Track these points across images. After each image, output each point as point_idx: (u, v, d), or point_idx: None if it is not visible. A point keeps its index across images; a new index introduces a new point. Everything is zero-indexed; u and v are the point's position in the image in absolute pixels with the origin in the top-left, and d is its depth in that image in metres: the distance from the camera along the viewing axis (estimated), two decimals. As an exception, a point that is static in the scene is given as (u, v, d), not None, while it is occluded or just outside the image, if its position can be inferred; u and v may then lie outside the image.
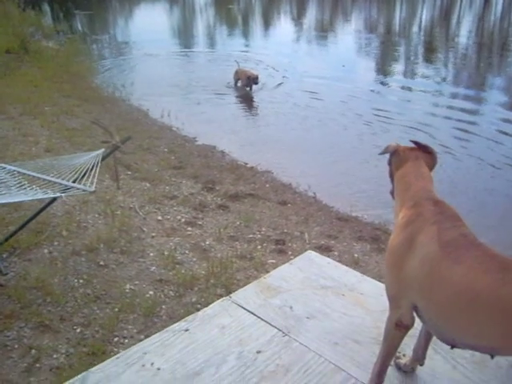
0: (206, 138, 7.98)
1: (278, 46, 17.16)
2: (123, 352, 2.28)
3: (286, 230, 5.03)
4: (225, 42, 18.13)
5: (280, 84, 11.62)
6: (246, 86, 11.14)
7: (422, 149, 2.09)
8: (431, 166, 2.08)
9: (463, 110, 9.89)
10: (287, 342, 2.32)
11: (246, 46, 17.45)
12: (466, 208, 5.47)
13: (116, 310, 3.56)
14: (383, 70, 14.09)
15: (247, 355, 2.23)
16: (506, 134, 8.54)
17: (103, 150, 4.00)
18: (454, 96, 11.24)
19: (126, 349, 2.38)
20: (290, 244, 4.75)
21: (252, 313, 2.48)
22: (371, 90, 11.37)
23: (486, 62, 15.25)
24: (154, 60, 14.13)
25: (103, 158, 3.94)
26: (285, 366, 2.18)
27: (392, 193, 2.15)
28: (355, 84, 11.69)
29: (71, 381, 2.11)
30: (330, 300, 2.62)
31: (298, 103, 10.29)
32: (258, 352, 2.25)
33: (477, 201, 6.21)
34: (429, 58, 15.36)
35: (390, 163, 2.16)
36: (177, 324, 2.41)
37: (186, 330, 2.36)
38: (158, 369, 2.14)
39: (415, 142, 2.09)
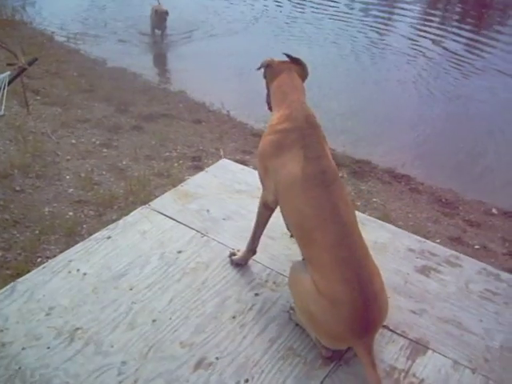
0: (116, 61, 7.77)
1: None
2: (48, 262, 2.35)
3: (201, 148, 5.13)
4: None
5: None
6: (155, 27, 8.97)
7: (294, 62, 2.24)
8: (303, 78, 2.25)
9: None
10: (206, 241, 2.47)
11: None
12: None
13: (36, 232, 3.60)
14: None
15: (169, 255, 2.37)
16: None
17: (9, 72, 3.90)
18: None
19: (51, 261, 2.45)
20: (205, 160, 4.88)
21: (171, 218, 2.60)
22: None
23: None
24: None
25: (10, 81, 3.85)
26: (205, 262, 2.34)
27: (268, 102, 2.32)
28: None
29: (-1, 291, 2.17)
30: (246, 203, 2.78)
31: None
32: (179, 252, 2.39)
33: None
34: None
35: (265, 76, 2.32)
36: (99, 233, 2.49)
37: (109, 238, 2.45)
38: (85, 274, 2.24)
39: (288, 55, 2.24)
